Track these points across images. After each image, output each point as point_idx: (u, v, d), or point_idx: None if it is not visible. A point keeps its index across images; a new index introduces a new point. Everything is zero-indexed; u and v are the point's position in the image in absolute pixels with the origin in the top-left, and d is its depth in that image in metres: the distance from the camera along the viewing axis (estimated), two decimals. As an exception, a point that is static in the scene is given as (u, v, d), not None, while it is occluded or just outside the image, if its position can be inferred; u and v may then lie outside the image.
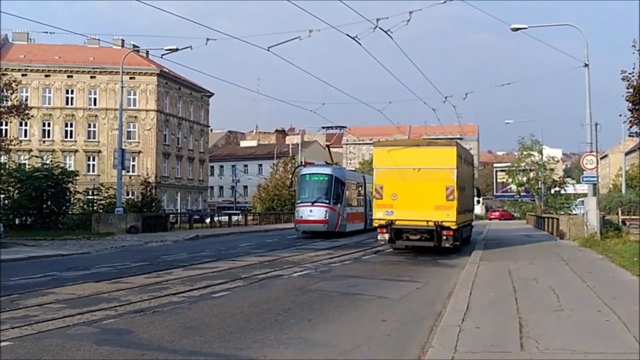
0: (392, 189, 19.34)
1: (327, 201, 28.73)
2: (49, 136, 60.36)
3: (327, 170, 30.41)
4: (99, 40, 57.14)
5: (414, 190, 19.02)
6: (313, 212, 28.66)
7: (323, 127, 36.28)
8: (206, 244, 25.51)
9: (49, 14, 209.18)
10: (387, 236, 19.46)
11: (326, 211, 28.50)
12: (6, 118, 35.51)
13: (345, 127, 34.05)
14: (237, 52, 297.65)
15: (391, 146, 21.44)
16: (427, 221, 18.86)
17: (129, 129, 58.99)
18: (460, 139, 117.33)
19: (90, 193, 38.13)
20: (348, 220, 30.33)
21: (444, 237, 18.80)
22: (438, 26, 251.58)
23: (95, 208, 34.65)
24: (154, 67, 60.96)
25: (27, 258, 18.18)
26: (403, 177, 19.28)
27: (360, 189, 34.21)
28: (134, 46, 49.91)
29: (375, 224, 20.19)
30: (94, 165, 60.74)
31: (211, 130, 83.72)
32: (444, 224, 18.75)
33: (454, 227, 18.88)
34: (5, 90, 32.00)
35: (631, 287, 10.67)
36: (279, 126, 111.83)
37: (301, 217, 29.12)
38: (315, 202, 28.84)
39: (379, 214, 19.51)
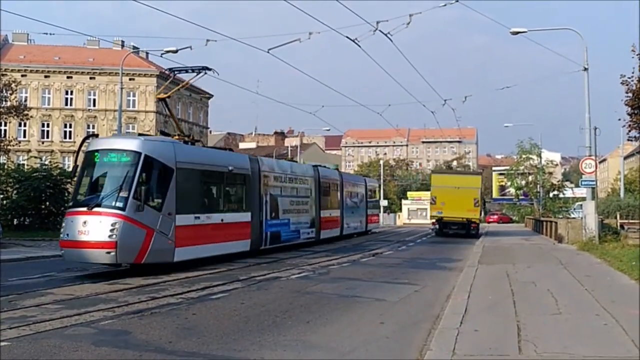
0: (442, 198, 32.17)
1: (121, 204, 14.18)
2: (48, 137, 60.24)
3: (132, 145, 15.31)
4: (98, 41, 57.05)
5: (455, 199, 31.55)
6: (87, 226, 14.01)
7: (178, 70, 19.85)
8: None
9: (49, 15, 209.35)
10: (437, 226, 33.30)
11: (115, 224, 13.85)
12: (5, 118, 35.51)
13: (210, 70, 19.22)
14: (236, 54, 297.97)
15: (442, 174, 41.41)
16: (462, 218, 32.01)
17: (128, 130, 58.83)
18: (459, 142, 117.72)
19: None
20: (185, 239, 15.64)
21: (471, 228, 32.15)
22: (438, 29, 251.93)
23: (94, 209, 34.50)
24: (154, 68, 60.92)
25: (25, 258, 18.17)
26: (448, 192, 32.09)
27: (243, 182, 19.42)
28: (134, 47, 49.90)
29: (430, 219, 35.12)
30: (92, 166, 60.56)
31: (210, 131, 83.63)
32: (472, 219, 32.24)
33: (477, 222, 33.28)
34: (4, 91, 31.96)
35: (629, 291, 10.68)
36: (278, 128, 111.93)
37: (67, 235, 14.34)
38: (96, 205, 14.31)
39: (433, 213, 33.27)
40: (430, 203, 34.22)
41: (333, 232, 28.69)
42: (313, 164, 30.84)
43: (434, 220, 33.81)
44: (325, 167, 30.48)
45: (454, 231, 32.61)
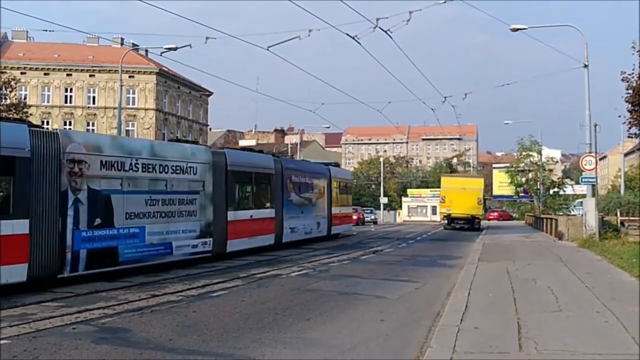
0: (450, 198, 38.00)
1: None
2: (47, 134, 60.21)
3: None
4: (98, 38, 57.03)
5: (461, 199, 37.48)
6: None
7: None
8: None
9: (48, 13, 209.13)
10: (446, 221, 38.98)
11: None
12: (5, 116, 35.54)
13: None
14: (236, 52, 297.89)
15: (450, 176, 48.12)
16: (467, 214, 37.78)
17: (127, 128, 58.88)
18: (459, 139, 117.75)
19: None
20: None
21: (475, 223, 38.10)
22: (438, 26, 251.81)
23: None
24: (153, 65, 60.89)
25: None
26: (455, 192, 38.07)
27: (8, 171, 11.86)
28: (133, 45, 49.83)
29: (440, 215, 42.33)
30: (92, 163, 60.49)
31: (210, 129, 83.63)
32: (475, 216, 38.44)
33: (480, 217, 40.17)
34: (4, 89, 31.98)
35: (630, 288, 10.67)
36: (278, 125, 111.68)
37: None
38: None
39: (442, 210, 39.33)
40: (440, 202, 40.41)
41: (257, 240, 19.89)
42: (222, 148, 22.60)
43: (443, 216, 40.15)
44: (240, 150, 22.85)
45: (460, 225, 37.88)
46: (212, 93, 72.06)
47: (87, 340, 7.22)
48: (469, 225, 37.56)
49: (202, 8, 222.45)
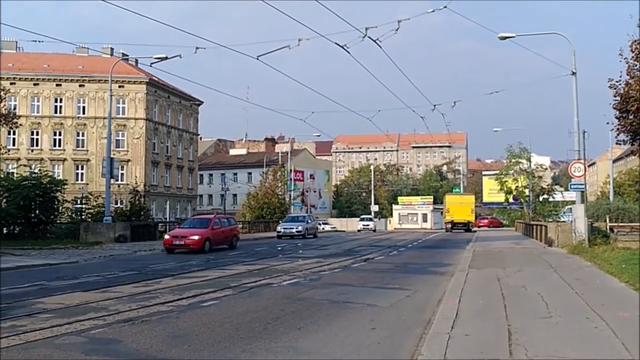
0: (452, 209, 55.10)
1: None
2: (37, 145, 59.99)
3: None
4: (87, 48, 57.05)
5: (459, 209, 54.28)
6: None
7: None
8: (195, 252, 25.38)
9: (37, 21, 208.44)
10: (449, 226, 55.21)
11: None
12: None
13: None
14: (226, 61, 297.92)
15: (452, 195, 63.94)
16: (464, 220, 54.03)
17: (117, 138, 58.77)
18: (449, 146, 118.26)
19: (78, 202, 37.87)
20: None
21: (470, 226, 53.76)
22: (426, 35, 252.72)
23: (83, 217, 34.44)
24: (143, 75, 60.84)
25: (15, 267, 18.02)
26: (455, 205, 55.10)
27: None
28: (123, 54, 49.82)
29: (445, 222, 57.91)
30: (82, 174, 60.36)
31: (200, 138, 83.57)
32: (469, 221, 54.46)
33: (473, 223, 56.52)
34: (-7, 99, 31.78)
35: (619, 294, 10.74)
36: (268, 134, 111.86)
37: None
38: None
39: (447, 218, 56.10)
40: (446, 212, 57.15)
41: None
42: None
43: (446, 222, 56.54)
44: None
45: (459, 228, 53.21)
46: (202, 102, 72.07)
47: (77, 352, 7.19)
48: (466, 228, 53.02)
49: (192, 16, 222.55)
